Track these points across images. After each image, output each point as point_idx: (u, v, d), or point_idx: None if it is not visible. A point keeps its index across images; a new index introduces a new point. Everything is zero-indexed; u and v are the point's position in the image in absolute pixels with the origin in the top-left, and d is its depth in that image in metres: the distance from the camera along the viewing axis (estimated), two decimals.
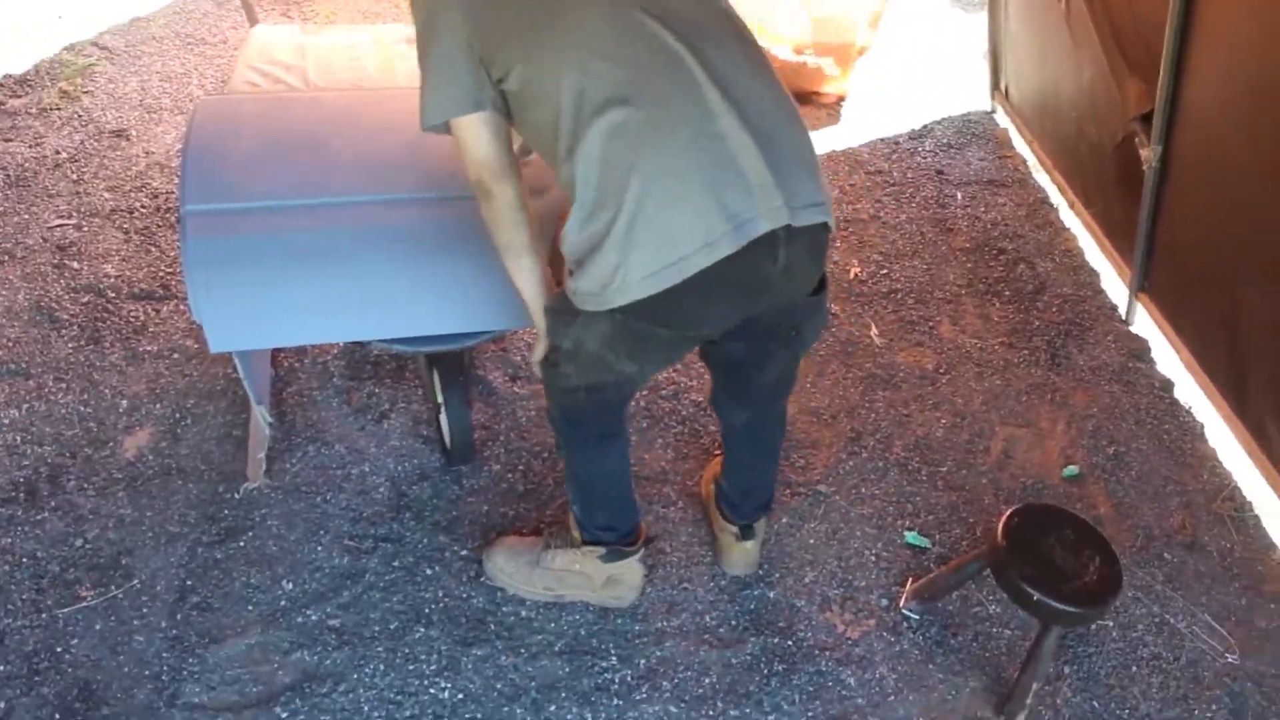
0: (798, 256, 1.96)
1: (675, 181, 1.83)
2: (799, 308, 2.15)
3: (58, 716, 2.30)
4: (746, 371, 2.33)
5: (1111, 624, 2.70)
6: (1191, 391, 3.33)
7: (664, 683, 2.48)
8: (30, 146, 3.99)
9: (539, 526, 2.74)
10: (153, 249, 3.56)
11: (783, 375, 2.41)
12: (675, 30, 1.87)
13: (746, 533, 2.67)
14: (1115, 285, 3.81)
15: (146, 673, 2.40)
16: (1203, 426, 3.28)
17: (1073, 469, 3.11)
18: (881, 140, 4.65)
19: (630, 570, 2.60)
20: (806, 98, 4.88)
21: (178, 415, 3.00)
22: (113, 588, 2.57)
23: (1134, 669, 2.61)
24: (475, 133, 1.99)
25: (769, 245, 1.87)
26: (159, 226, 3.65)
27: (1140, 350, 3.56)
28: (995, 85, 4.87)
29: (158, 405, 3.02)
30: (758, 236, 1.84)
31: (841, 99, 4.92)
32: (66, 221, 3.64)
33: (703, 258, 1.83)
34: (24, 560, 2.61)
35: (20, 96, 4.26)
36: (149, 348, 3.20)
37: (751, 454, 2.62)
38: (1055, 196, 4.29)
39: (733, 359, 2.30)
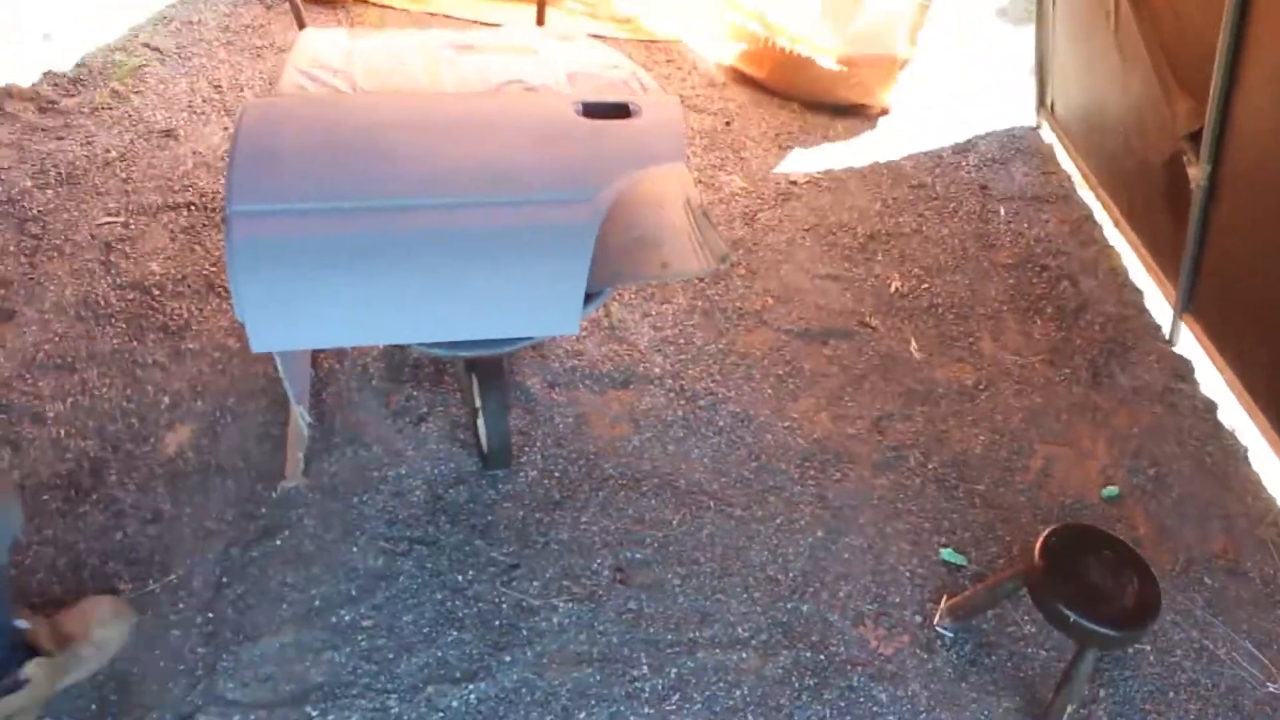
0: None
1: None
2: None
3: (94, 707, 2.33)
4: None
5: (1149, 648, 2.67)
6: (1236, 414, 3.29)
7: (695, 694, 2.48)
8: (81, 145, 4.04)
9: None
10: (198, 248, 3.60)
11: None
12: None
13: None
14: (1159, 305, 3.76)
15: (181, 667, 2.42)
16: (1246, 450, 3.23)
17: (1112, 489, 3.08)
18: (925, 154, 4.63)
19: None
20: (850, 109, 4.87)
21: (218, 413, 3.03)
22: (150, 582, 2.60)
23: (1171, 695, 2.58)
24: None
25: None
26: (204, 226, 3.70)
27: (1184, 371, 3.52)
28: (1041, 100, 4.84)
29: (199, 403, 3.05)
30: None
31: (884, 111, 4.90)
32: (114, 219, 3.69)
33: None
34: (64, 552, 2.64)
35: (73, 95, 4.32)
36: (191, 345, 3.23)
37: None
38: (1100, 214, 4.25)
39: None
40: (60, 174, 3.89)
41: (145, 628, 2.49)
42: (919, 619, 2.70)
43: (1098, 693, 2.57)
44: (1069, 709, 2.38)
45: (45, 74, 4.38)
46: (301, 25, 3.29)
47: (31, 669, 2.25)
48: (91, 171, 3.93)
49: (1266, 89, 2.91)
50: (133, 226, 3.66)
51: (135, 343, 3.22)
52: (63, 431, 2.95)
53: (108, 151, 4.01)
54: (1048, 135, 4.80)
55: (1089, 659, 2.29)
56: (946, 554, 2.86)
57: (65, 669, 2.35)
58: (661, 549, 2.79)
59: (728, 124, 4.65)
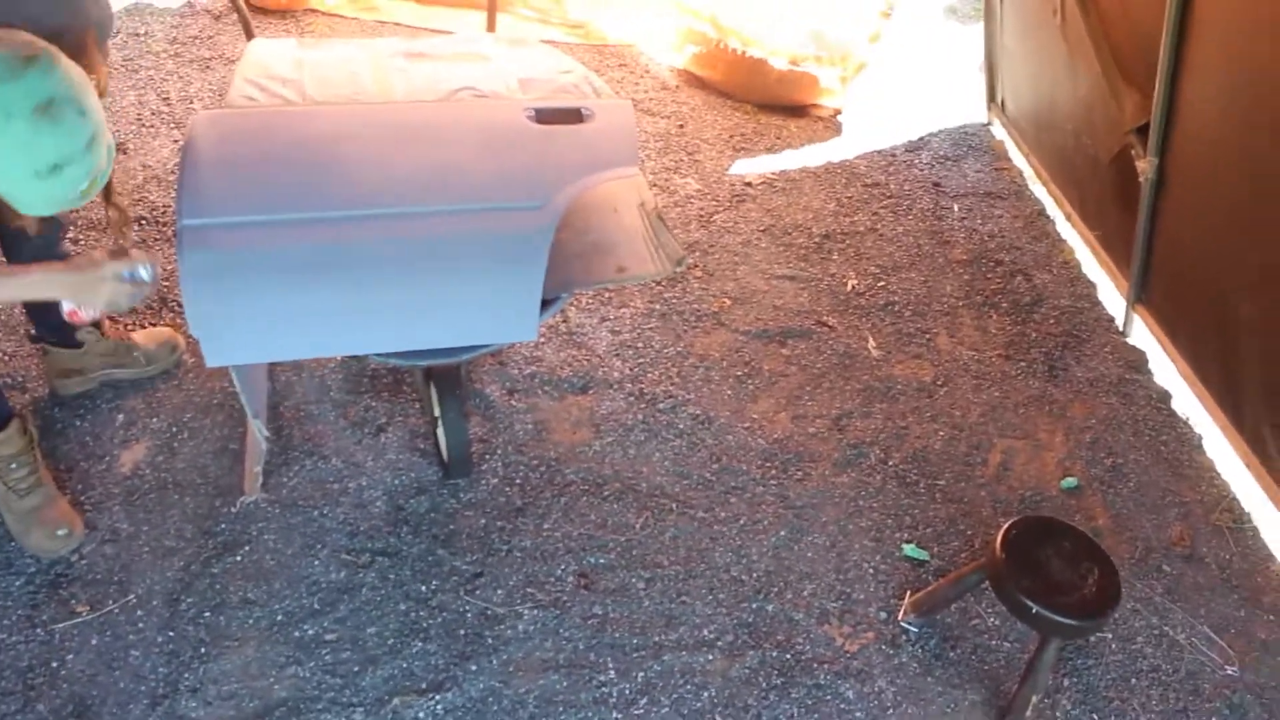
0: None
1: None
2: None
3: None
4: None
5: (1110, 636, 2.70)
6: (1189, 402, 3.33)
7: (662, 697, 2.47)
8: None
9: None
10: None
11: None
12: None
13: None
14: (1112, 297, 3.81)
15: (142, 688, 2.39)
16: (1200, 437, 3.28)
17: (1071, 481, 3.11)
18: (878, 152, 4.66)
19: None
20: (804, 110, 4.89)
21: (174, 429, 2.99)
22: (109, 602, 2.56)
23: (1133, 681, 2.61)
24: None
25: None
26: (156, 240, 3.65)
27: (1138, 362, 3.57)
28: (991, 97, 4.89)
29: (154, 420, 3.02)
30: None
31: (837, 111, 4.93)
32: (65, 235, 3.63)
33: None
34: (20, 575, 2.60)
35: None
36: None
37: None
38: (1052, 208, 4.30)
39: None
40: None
41: (104, 649, 2.46)
42: (883, 615, 2.71)
43: (1061, 682, 2.59)
44: (1034, 699, 2.40)
45: None
46: (250, 35, 3.26)
47: (83, 334, 2.91)
48: None
49: (1210, 81, 2.95)
50: (83, 242, 3.61)
51: None
52: None
53: None
54: (999, 131, 4.85)
55: (1052, 649, 2.31)
56: (909, 550, 2.87)
57: (117, 356, 3.04)
58: (625, 553, 2.79)
59: (681, 127, 4.66)
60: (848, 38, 4.77)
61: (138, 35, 4.82)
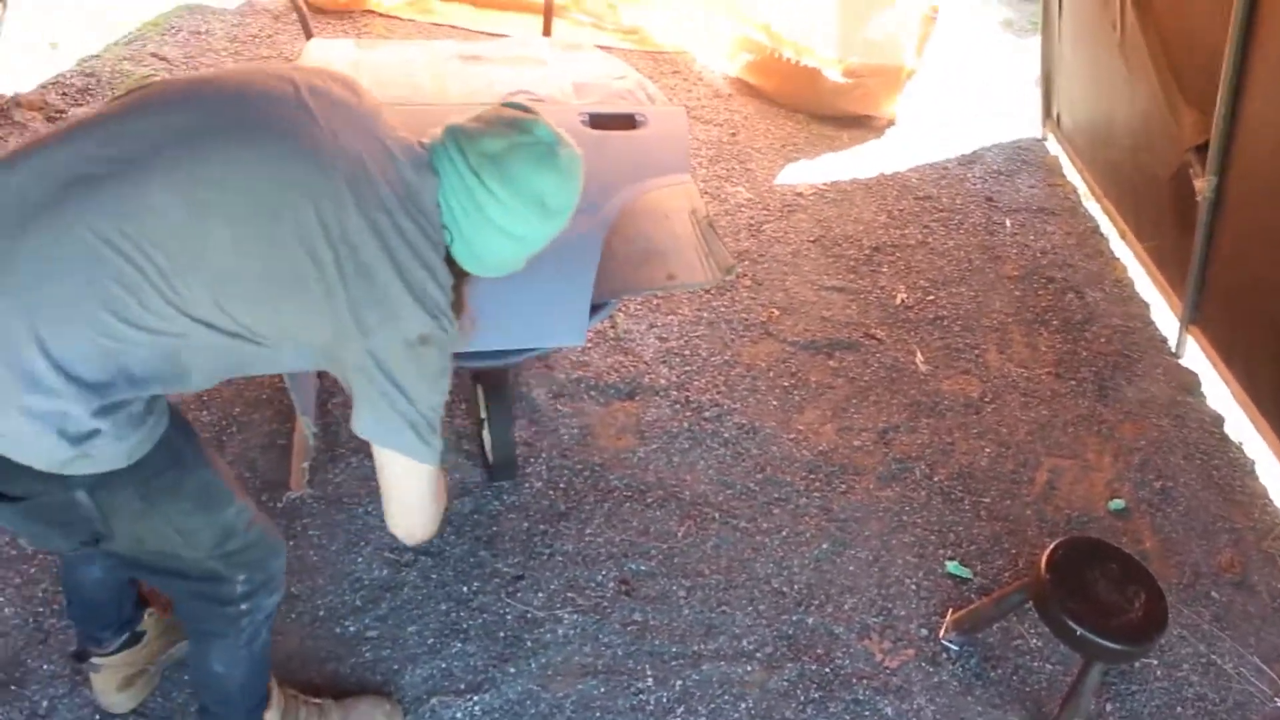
0: None
1: None
2: None
3: (98, 717, 2.32)
4: None
5: (1156, 662, 2.66)
6: (1243, 427, 3.28)
7: (699, 706, 2.47)
8: None
9: None
10: None
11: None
12: None
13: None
14: (1166, 317, 3.76)
15: (185, 677, 2.41)
16: (1254, 463, 3.23)
17: (1119, 502, 3.07)
18: (930, 165, 4.63)
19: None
20: (856, 121, 4.87)
21: (224, 423, 3.03)
22: None
23: (1178, 709, 2.57)
24: None
25: None
26: None
27: (1190, 384, 3.52)
28: (1047, 112, 4.84)
29: (204, 413, 3.05)
30: None
31: (890, 123, 4.91)
32: None
33: None
34: None
35: (81, 105, 4.34)
36: None
37: None
38: (1106, 226, 4.25)
39: None
40: None
41: None
42: (924, 632, 2.69)
43: (1104, 707, 2.56)
44: None
45: (53, 83, 4.39)
46: (309, 35, 3.29)
47: (145, 621, 2.30)
48: None
49: (1273, 101, 2.91)
50: None
51: None
52: None
53: None
54: (1053, 147, 4.81)
55: (1095, 673, 2.29)
56: (952, 567, 2.85)
57: (178, 630, 2.35)
58: (666, 561, 2.79)
59: (733, 135, 4.66)
60: (894, 45, 4.75)
61: (198, 34, 4.89)
